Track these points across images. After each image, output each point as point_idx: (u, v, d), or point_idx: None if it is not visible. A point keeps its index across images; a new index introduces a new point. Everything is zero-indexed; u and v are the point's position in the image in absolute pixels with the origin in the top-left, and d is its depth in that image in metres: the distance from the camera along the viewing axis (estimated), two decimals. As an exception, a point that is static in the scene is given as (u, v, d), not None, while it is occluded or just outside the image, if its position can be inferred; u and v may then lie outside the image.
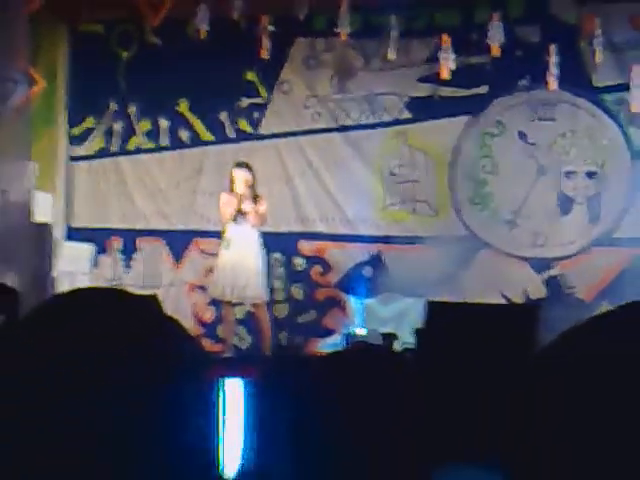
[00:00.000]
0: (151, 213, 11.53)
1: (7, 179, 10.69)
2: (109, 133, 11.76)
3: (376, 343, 8.44)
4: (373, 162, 10.85)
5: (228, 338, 9.99)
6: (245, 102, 11.28)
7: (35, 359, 1.19)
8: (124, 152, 11.72)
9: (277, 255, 10.88)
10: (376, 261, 10.74)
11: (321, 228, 10.97)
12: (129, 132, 11.71)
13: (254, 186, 9.68)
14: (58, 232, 11.53)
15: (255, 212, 9.56)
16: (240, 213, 9.56)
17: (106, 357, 1.19)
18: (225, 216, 9.64)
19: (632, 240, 9.93)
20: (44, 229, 11.11)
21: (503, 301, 9.98)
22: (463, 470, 2.14)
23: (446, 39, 9.92)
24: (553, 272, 10.27)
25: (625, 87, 9.89)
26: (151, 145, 11.66)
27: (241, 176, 9.61)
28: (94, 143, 11.83)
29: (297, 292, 11.01)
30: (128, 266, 11.63)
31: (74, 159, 11.92)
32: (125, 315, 1.25)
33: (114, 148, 11.77)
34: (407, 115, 10.82)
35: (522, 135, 10.43)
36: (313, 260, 10.97)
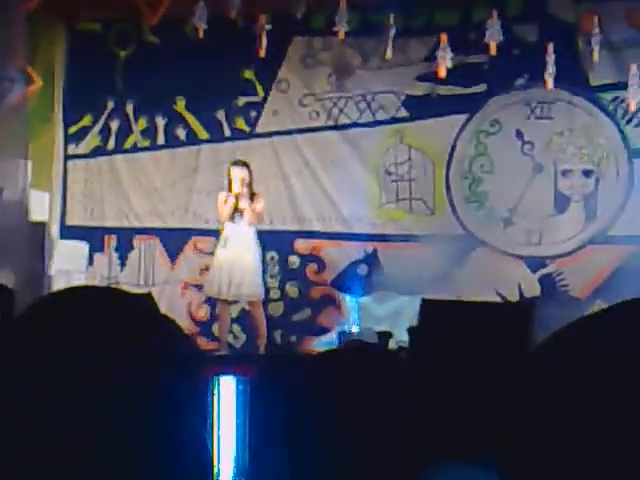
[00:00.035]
0: (147, 212, 11.52)
1: (3, 177, 10.69)
2: (106, 132, 11.75)
3: (371, 341, 8.44)
4: (370, 160, 10.86)
5: (223, 336, 9.99)
6: (242, 100, 11.28)
7: (29, 358, 1.19)
8: (120, 151, 11.71)
9: (272, 253, 10.88)
10: (372, 259, 10.74)
11: (317, 227, 10.97)
12: (126, 131, 11.70)
13: (251, 184, 9.69)
14: (54, 230, 11.53)
15: (252, 210, 9.57)
16: (237, 211, 9.57)
17: (100, 356, 1.19)
18: (222, 214, 9.65)
19: (627, 238, 9.95)
20: (40, 228, 11.11)
21: (498, 299, 9.99)
22: (458, 468, 2.14)
23: (444, 38, 9.92)
24: (548, 270, 10.28)
25: (622, 86, 9.91)
26: (147, 143, 11.65)
27: (238, 174, 9.61)
28: (91, 142, 11.82)
29: (292, 290, 11.01)
30: (124, 264, 11.63)
31: (70, 157, 11.90)
32: (120, 313, 1.25)
33: (110, 147, 11.76)
34: (404, 114, 10.83)
35: (519, 133, 10.44)
36: (308, 258, 10.97)
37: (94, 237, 11.54)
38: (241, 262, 9.52)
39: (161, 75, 11.12)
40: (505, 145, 10.48)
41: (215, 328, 10.58)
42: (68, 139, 11.88)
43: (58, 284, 10.59)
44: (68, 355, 1.19)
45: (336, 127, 11.01)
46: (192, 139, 11.48)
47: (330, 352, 2.23)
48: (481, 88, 10.54)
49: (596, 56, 9.73)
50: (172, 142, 11.54)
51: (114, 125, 11.72)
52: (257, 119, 11.26)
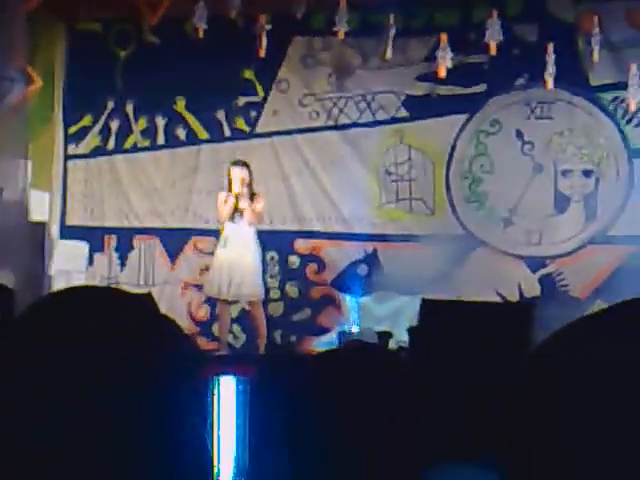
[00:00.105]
0: (147, 212, 11.52)
1: (3, 177, 10.70)
2: (106, 132, 11.75)
3: (371, 341, 8.44)
4: (370, 160, 10.86)
5: (223, 336, 9.99)
6: (242, 100, 11.28)
7: (29, 357, 1.19)
8: (120, 151, 11.71)
9: (272, 253, 10.88)
10: (372, 259, 10.75)
11: (317, 227, 10.97)
12: (126, 131, 11.70)
13: (251, 184, 9.69)
14: (54, 230, 11.53)
15: (252, 210, 9.58)
16: (237, 211, 9.57)
17: (100, 355, 1.19)
18: (222, 214, 9.66)
19: (627, 238, 9.95)
20: (40, 228, 11.11)
21: (498, 299, 9.99)
22: (458, 468, 2.14)
23: (444, 38, 9.92)
24: (548, 270, 10.29)
25: (622, 86, 9.91)
26: (147, 143, 11.65)
27: (238, 174, 9.62)
28: (91, 142, 11.82)
29: (292, 290, 11.01)
30: (123, 264, 11.63)
31: (70, 157, 11.90)
32: (119, 313, 1.25)
33: (110, 147, 11.75)
34: (404, 114, 10.83)
35: (519, 133, 10.45)
36: (308, 258, 10.97)
37: (94, 237, 11.54)
38: (241, 262, 9.52)
39: (161, 75, 11.12)
40: (505, 145, 10.48)
41: (215, 328, 10.58)
42: (68, 139, 11.88)
43: (58, 284, 10.60)
44: (68, 355, 1.19)
45: (336, 127, 11.01)
46: (192, 139, 11.48)
47: (330, 352, 2.23)
48: (481, 88, 10.55)
49: (596, 56, 9.73)
50: (172, 142, 11.54)
51: (114, 125, 11.72)
52: (257, 119, 11.26)
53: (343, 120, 10.99)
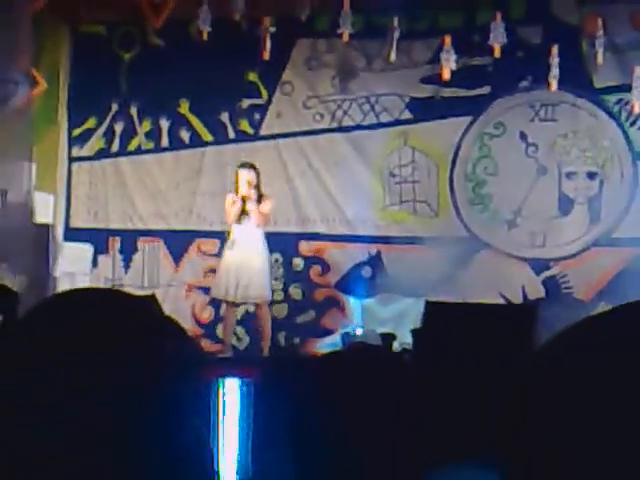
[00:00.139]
0: (151, 214, 11.52)
1: (8, 179, 10.71)
2: (110, 134, 11.76)
3: (375, 343, 8.44)
4: (374, 163, 10.86)
5: (228, 338, 9.99)
6: (246, 103, 11.28)
7: (33, 359, 1.20)
8: (125, 153, 11.72)
9: (276, 255, 10.87)
10: (375, 261, 10.74)
11: (321, 229, 10.97)
12: (130, 133, 11.70)
13: (259, 186, 9.70)
14: (58, 233, 11.54)
15: (259, 212, 9.58)
16: (244, 213, 9.58)
17: (103, 357, 1.19)
18: (229, 217, 9.66)
19: (632, 240, 9.94)
20: (44, 230, 11.12)
21: (502, 301, 9.98)
22: (462, 470, 2.14)
23: (448, 40, 9.92)
24: (552, 272, 10.28)
25: (626, 88, 9.90)
26: (152, 146, 11.65)
27: (245, 176, 9.63)
28: (95, 144, 11.82)
29: (296, 292, 11.00)
30: (128, 266, 11.63)
31: (75, 160, 11.91)
32: (123, 315, 1.25)
33: (115, 149, 11.76)
34: (408, 116, 10.83)
35: (523, 136, 10.44)
36: (312, 260, 10.97)
37: (98, 239, 11.55)
38: (248, 264, 9.52)
39: (165, 77, 11.13)
40: (509, 147, 10.48)
41: (219, 330, 10.58)
42: (72, 141, 11.89)
43: (62, 286, 10.60)
44: (71, 356, 1.19)
45: (340, 129, 11.01)
46: (196, 141, 11.48)
47: (334, 354, 2.23)
48: (485, 90, 10.54)
49: (600, 58, 9.72)
50: (176, 144, 11.54)
51: (118, 127, 11.72)
52: (261, 121, 11.26)
53: (347, 122, 10.99)
